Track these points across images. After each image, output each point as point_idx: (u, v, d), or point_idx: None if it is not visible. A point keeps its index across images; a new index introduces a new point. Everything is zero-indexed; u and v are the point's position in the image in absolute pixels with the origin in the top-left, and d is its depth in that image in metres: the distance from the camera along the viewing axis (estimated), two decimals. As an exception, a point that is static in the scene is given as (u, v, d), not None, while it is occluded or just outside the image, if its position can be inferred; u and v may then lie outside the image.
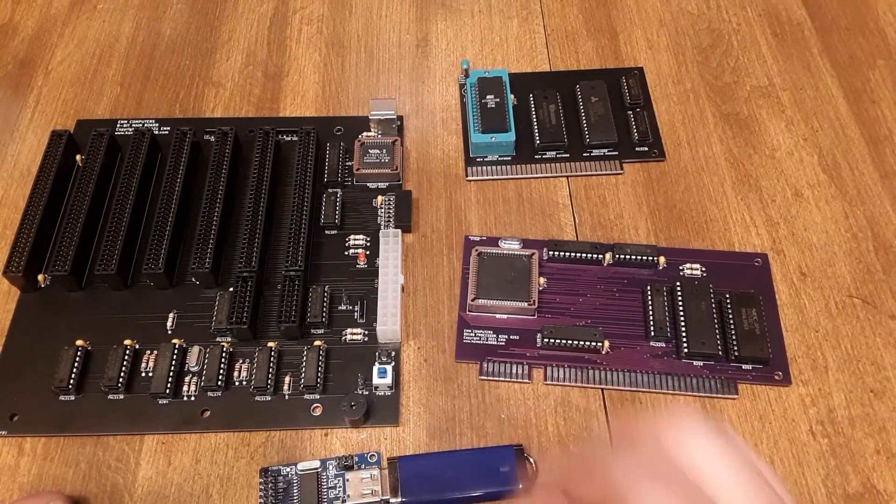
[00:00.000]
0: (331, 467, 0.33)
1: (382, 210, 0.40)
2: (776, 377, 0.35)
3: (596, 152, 0.42)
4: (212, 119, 0.44)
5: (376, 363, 0.35)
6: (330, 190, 0.41)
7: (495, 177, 0.42)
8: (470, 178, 0.42)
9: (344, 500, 0.32)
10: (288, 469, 0.33)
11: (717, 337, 0.36)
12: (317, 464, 0.33)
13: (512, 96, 0.43)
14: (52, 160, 0.40)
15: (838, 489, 0.32)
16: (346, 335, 0.36)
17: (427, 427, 0.34)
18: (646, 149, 0.43)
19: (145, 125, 0.43)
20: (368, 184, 0.41)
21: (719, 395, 0.35)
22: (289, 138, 0.43)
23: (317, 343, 0.36)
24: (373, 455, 0.33)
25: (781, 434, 0.34)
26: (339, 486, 0.32)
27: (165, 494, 0.33)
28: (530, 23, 0.48)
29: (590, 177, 0.42)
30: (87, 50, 0.47)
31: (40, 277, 0.37)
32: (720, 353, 0.35)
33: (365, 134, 0.42)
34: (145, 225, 0.40)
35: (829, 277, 0.38)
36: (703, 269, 0.38)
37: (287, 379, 0.35)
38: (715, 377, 0.35)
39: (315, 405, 0.35)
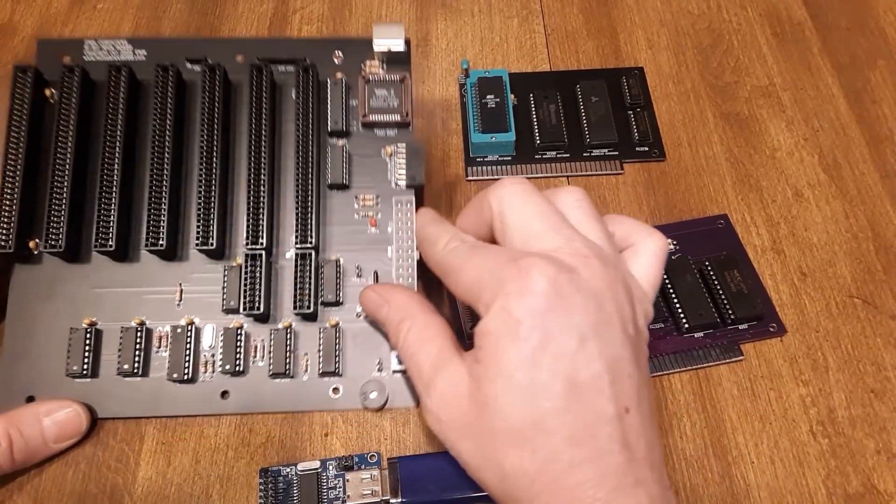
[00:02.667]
0: (331, 468, 0.32)
1: (392, 162, 0.37)
2: (771, 329, 0.36)
3: (596, 152, 0.42)
4: (193, 41, 0.40)
5: (394, 351, 0.34)
6: (333, 140, 0.37)
7: (495, 177, 0.42)
8: (470, 178, 0.42)
9: (344, 501, 0.32)
10: (288, 469, 0.33)
11: (711, 305, 0.36)
12: (317, 464, 0.33)
13: (512, 96, 0.43)
14: (21, 106, 0.35)
15: (839, 489, 0.32)
16: (360, 311, 0.35)
17: (427, 427, 0.34)
18: (646, 149, 0.42)
19: (117, 48, 0.38)
20: (376, 130, 0.37)
21: (725, 361, 0.36)
22: (283, 69, 0.38)
23: (332, 322, 0.35)
24: (373, 455, 0.33)
25: (782, 434, 0.34)
26: (339, 487, 0.32)
27: (165, 495, 0.33)
28: (530, 23, 0.48)
29: (590, 177, 0.42)
30: (87, 50, 0.47)
31: (32, 244, 0.35)
32: (718, 320, 0.36)
33: (369, 65, 0.37)
34: (135, 187, 0.36)
35: (830, 277, 0.38)
36: (675, 242, 0.39)
37: (304, 360, 0.35)
38: (717, 343, 0.36)
39: (334, 386, 0.35)
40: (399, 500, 0.31)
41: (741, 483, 0.33)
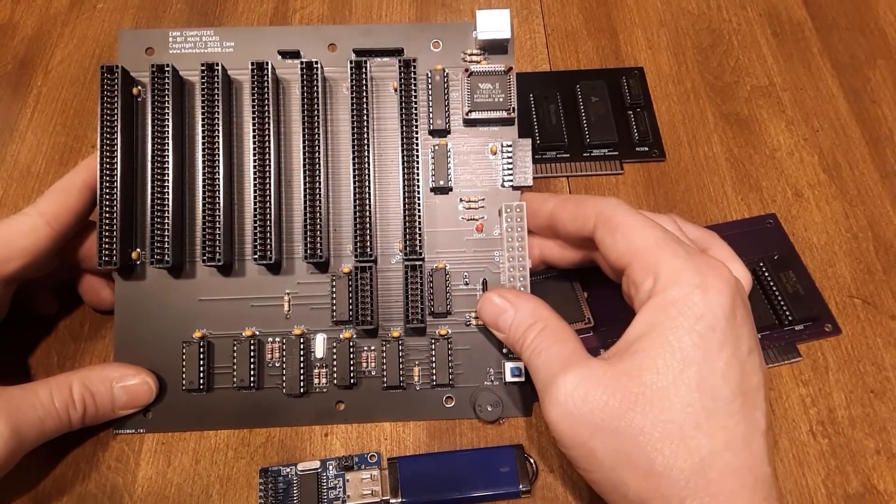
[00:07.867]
0: (331, 468, 0.32)
1: (498, 161, 0.35)
2: (826, 329, 0.36)
3: (596, 152, 0.42)
4: (282, 29, 0.37)
5: (508, 362, 0.34)
6: (435, 140, 0.34)
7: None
8: (470, 178, 0.42)
9: (344, 501, 0.32)
10: (288, 469, 0.33)
11: (768, 306, 0.36)
12: (317, 464, 0.33)
13: (512, 96, 0.43)
14: (112, 112, 0.33)
15: (839, 489, 0.32)
16: (469, 319, 0.34)
17: (427, 427, 0.34)
18: (646, 149, 0.42)
19: (203, 40, 0.36)
20: (479, 127, 0.35)
21: (784, 362, 0.35)
22: (381, 60, 0.35)
23: (442, 332, 0.34)
24: (373, 455, 0.33)
25: (782, 434, 0.34)
26: (339, 487, 0.32)
27: (165, 495, 0.33)
28: (530, 23, 0.48)
29: (590, 177, 0.42)
30: (87, 50, 0.47)
31: (134, 254, 0.34)
32: (775, 321, 0.36)
33: (469, 56, 0.35)
34: (235, 194, 0.35)
35: (830, 278, 0.38)
36: None
37: (416, 370, 0.34)
38: (774, 346, 0.36)
39: (447, 396, 0.34)
40: (399, 500, 0.31)
41: (741, 483, 0.33)
